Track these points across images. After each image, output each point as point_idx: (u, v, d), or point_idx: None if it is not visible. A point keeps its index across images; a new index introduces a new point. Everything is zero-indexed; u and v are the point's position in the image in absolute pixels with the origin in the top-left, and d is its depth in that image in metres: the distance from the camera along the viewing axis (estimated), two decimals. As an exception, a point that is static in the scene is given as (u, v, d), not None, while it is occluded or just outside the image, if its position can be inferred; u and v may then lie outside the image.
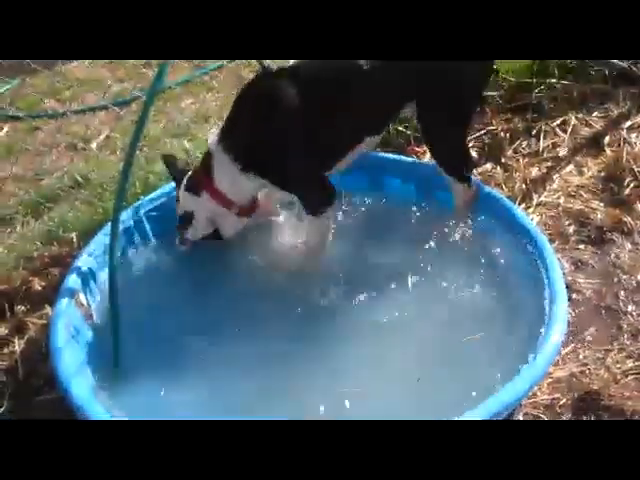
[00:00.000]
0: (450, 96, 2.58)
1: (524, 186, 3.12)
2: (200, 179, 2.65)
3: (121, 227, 2.67)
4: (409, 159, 3.20)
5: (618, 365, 2.38)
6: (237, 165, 2.55)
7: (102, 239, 2.70)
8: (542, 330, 2.23)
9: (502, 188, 3.11)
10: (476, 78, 2.64)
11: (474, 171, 3.22)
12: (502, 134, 3.40)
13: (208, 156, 2.63)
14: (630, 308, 2.57)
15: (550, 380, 2.33)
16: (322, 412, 2.17)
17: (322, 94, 2.47)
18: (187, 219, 2.70)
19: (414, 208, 2.93)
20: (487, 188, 2.89)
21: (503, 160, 3.30)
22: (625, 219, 2.91)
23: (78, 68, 4.73)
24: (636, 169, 3.13)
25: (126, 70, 4.68)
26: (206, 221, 2.71)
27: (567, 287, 2.49)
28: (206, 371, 2.37)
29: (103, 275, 2.61)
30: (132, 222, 2.86)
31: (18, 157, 3.66)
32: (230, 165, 2.56)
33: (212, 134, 2.63)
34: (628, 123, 3.44)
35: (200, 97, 4.30)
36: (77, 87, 4.52)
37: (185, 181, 2.69)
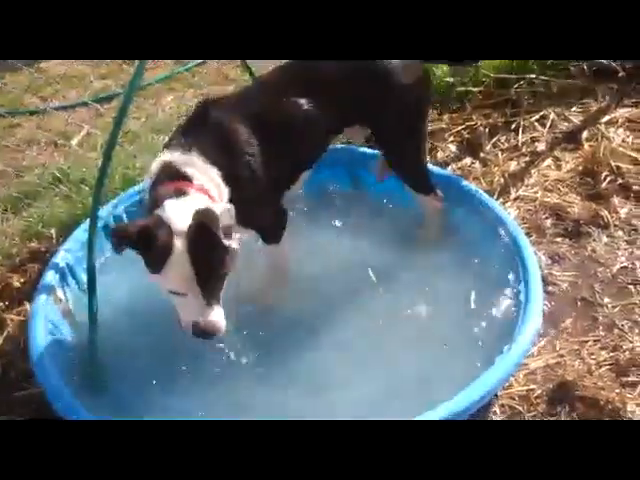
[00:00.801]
0: (396, 117, 2.58)
1: (502, 180, 3.15)
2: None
3: (100, 223, 2.67)
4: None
5: (593, 356, 2.41)
6: None
7: (81, 235, 2.70)
8: (517, 322, 2.24)
9: (480, 182, 3.14)
10: (416, 93, 2.62)
11: (453, 165, 3.27)
12: (482, 129, 3.42)
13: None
14: (605, 300, 2.60)
15: (526, 371, 2.36)
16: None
17: (267, 128, 2.40)
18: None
19: (391, 204, 2.94)
20: (465, 182, 2.91)
21: (482, 155, 3.33)
22: (602, 213, 2.93)
23: (59, 65, 4.71)
24: (613, 163, 3.15)
25: (107, 67, 4.68)
26: None
27: (544, 280, 2.52)
28: (188, 365, 2.38)
29: (81, 271, 2.62)
30: (111, 218, 2.84)
31: (-2, 153, 3.67)
32: None
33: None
34: (606, 118, 3.46)
35: (181, 93, 4.30)
36: (58, 84, 4.50)
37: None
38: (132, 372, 2.36)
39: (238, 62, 4.03)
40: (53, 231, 3.04)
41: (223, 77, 4.40)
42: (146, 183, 2.35)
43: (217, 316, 2.10)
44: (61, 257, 2.65)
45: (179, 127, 2.42)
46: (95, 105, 4.00)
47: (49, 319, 2.43)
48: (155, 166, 2.29)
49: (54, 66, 4.71)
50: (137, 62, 2.22)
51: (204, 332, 2.10)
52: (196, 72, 4.52)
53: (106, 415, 2.09)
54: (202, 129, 2.33)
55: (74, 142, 3.87)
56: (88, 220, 2.51)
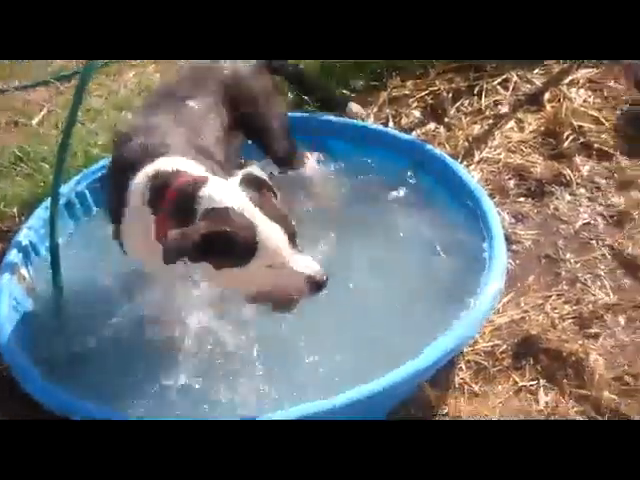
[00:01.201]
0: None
1: (466, 144, 3.16)
2: None
3: (62, 200, 2.65)
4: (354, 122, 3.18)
5: (556, 310, 2.45)
6: None
7: (43, 213, 2.67)
8: (482, 279, 2.27)
9: (445, 147, 3.14)
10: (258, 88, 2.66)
11: (418, 131, 3.28)
12: (445, 94, 3.42)
13: None
14: (568, 256, 2.64)
15: (491, 327, 2.39)
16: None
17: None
18: None
19: (354, 168, 2.94)
20: (429, 146, 2.92)
21: (446, 119, 3.32)
22: (564, 172, 2.96)
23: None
24: (575, 123, 3.17)
25: (68, 45, 4.60)
26: None
27: (507, 239, 2.56)
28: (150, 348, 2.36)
29: (45, 249, 2.61)
30: (74, 195, 2.81)
31: (-42, 134, 3.60)
32: None
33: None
34: (568, 79, 3.47)
35: (142, 69, 4.24)
36: (18, 62, 4.42)
37: None
38: (97, 350, 2.35)
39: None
40: (15, 210, 3.01)
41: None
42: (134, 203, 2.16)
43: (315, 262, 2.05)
44: (23, 235, 2.64)
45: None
46: (56, 83, 3.94)
47: (13, 297, 2.42)
48: (142, 182, 2.13)
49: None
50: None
51: (322, 281, 2.02)
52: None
53: (73, 394, 2.09)
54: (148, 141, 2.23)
55: (34, 121, 3.82)
56: (49, 198, 2.50)
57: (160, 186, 2.07)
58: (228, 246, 1.94)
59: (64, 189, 2.69)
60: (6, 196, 3.08)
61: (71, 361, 2.33)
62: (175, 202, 2.03)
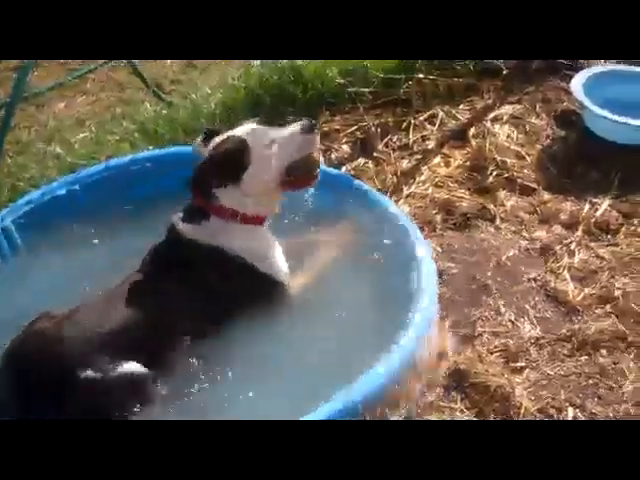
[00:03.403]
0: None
1: (395, 179, 3.23)
2: None
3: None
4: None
5: (484, 345, 2.50)
6: None
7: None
8: (410, 313, 2.30)
9: (374, 181, 3.21)
10: None
11: (347, 165, 3.33)
12: (373, 129, 3.50)
13: None
14: (494, 289, 2.70)
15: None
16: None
17: None
18: None
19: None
20: (357, 181, 2.96)
21: (375, 154, 3.40)
22: (488, 206, 3.06)
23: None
24: (499, 158, 3.29)
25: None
26: None
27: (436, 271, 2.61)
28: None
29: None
30: (-1, 230, 2.75)
31: None
32: None
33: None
34: (492, 114, 3.61)
35: (73, 101, 4.20)
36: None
37: None
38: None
39: (128, 68, 3.99)
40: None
41: (114, 83, 4.34)
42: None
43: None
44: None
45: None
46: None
47: None
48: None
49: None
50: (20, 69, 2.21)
51: (311, 123, 2.46)
52: (87, 79, 4.42)
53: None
54: None
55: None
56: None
57: None
58: (227, 155, 2.42)
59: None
60: None
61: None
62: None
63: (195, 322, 2.34)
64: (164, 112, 3.69)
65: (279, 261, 2.54)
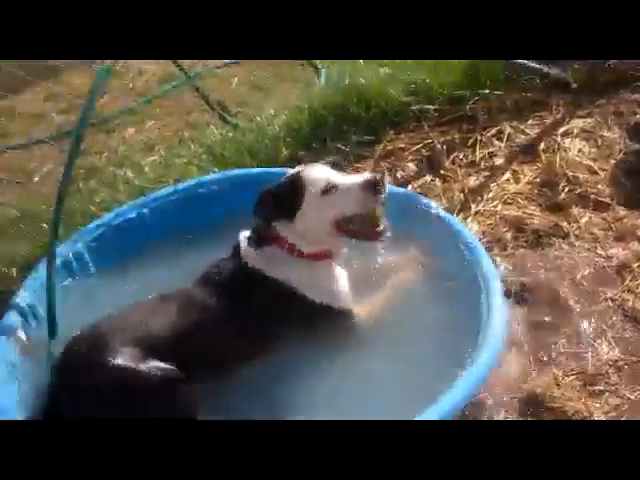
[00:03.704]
0: None
1: (462, 196, 3.17)
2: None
3: (60, 260, 2.66)
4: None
5: (560, 368, 2.41)
6: None
7: (41, 274, 2.66)
8: (480, 337, 2.24)
9: (441, 199, 3.15)
10: None
11: (414, 183, 3.28)
12: (439, 146, 3.45)
13: None
14: (569, 309, 2.61)
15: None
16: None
17: None
18: None
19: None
20: (425, 199, 2.92)
21: (442, 172, 3.35)
22: (561, 223, 2.96)
23: (22, 102, 4.70)
24: (570, 173, 3.20)
25: (68, 102, 4.65)
26: None
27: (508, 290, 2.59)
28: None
29: (42, 310, 2.59)
30: (71, 254, 2.81)
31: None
32: None
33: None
34: (562, 129, 3.51)
35: (142, 126, 4.29)
36: (21, 121, 4.49)
37: None
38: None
39: (194, 91, 4.05)
40: (14, 271, 3.00)
41: (181, 107, 4.41)
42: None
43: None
44: (21, 297, 2.61)
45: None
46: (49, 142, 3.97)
47: (9, 360, 2.40)
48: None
49: (17, 102, 4.70)
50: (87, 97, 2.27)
51: (375, 179, 2.32)
52: (155, 104, 4.52)
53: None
54: None
55: (36, 179, 3.85)
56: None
57: None
58: (277, 196, 2.41)
59: (61, 249, 2.71)
60: (5, 257, 3.07)
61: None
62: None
63: (238, 345, 2.35)
64: (230, 135, 3.73)
65: (341, 292, 2.49)
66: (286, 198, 2.41)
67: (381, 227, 2.40)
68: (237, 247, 2.50)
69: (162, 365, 2.17)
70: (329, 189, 2.37)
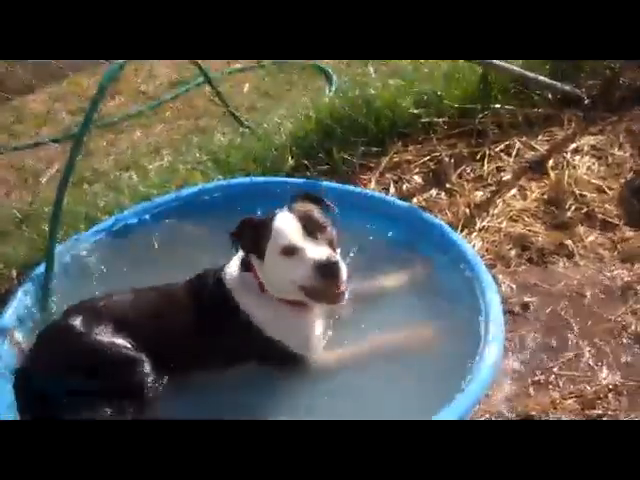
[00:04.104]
0: None
1: (467, 211, 3.13)
2: None
3: (59, 262, 2.66)
4: (354, 189, 3.17)
5: (558, 389, 2.37)
6: None
7: (39, 276, 2.66)
8: (477, 357, 2.21)
9: (446, 214, 3.12)
10: None
11: (419, 197, 3.25)
12: (447, 160, 3.41)
13: None
14: (569, 330, 2.57)
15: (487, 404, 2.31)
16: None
17: None
18: None
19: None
20: (426, 214, 2.88)
21: (448, 185, 3.31)
22: (566, 242, 2.92)
23: (33, 103, 4.71)
24: (578, 192, 3.15)
25: (79, 102, 4.66)
26: None
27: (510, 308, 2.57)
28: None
29: (40, 312, 2.59)
30: (68, 256, 2.80)
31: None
32: None
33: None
34: (572, 146, 3.47)
35: (151, 129, 4.29)
36: (30, 121, 4.49)
37: None
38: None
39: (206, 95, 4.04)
40: (14, 272, 2.99)
41: (192, 110, 4.41)
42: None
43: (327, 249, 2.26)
44: (19, 299, 2.61)
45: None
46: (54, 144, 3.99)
47: (3, 362, 2.39)
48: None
49: (27, 103, 4.72)
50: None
51: (329, 264, 2.19)
52: (166, 107, 4.52)
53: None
54: None
55: (44, 180, 3.86)
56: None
57: None
58: (251, 230, 2.35)
59: (60, 249, 2.70)
60: (6, 258, 3.07)
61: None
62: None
63: (196, 351, 2.37)
64: (237, 141, 3.71)
65: (304, 338, 2.40)
66: (258, 238, 2.34)
67: (341, 288, 2.25)
68: (228, 262, 2.49)
69: (124, 342, 2.32)
70: (288, 251, 2.26)
